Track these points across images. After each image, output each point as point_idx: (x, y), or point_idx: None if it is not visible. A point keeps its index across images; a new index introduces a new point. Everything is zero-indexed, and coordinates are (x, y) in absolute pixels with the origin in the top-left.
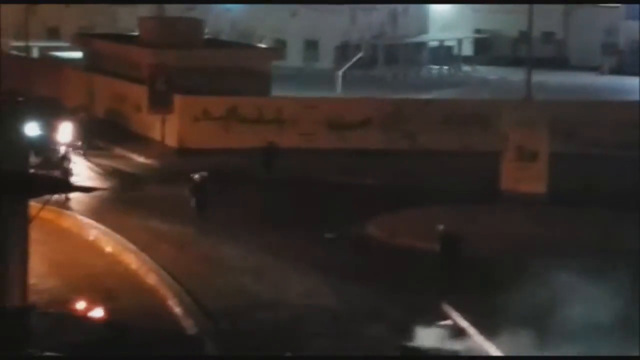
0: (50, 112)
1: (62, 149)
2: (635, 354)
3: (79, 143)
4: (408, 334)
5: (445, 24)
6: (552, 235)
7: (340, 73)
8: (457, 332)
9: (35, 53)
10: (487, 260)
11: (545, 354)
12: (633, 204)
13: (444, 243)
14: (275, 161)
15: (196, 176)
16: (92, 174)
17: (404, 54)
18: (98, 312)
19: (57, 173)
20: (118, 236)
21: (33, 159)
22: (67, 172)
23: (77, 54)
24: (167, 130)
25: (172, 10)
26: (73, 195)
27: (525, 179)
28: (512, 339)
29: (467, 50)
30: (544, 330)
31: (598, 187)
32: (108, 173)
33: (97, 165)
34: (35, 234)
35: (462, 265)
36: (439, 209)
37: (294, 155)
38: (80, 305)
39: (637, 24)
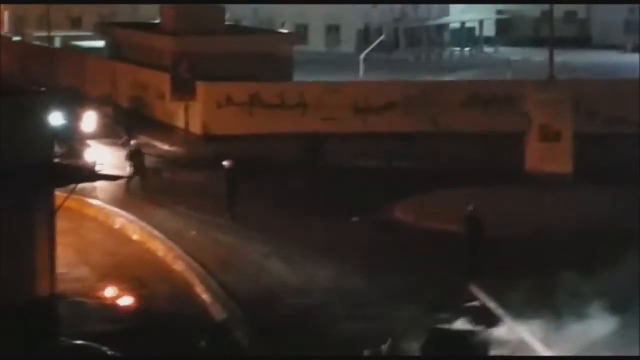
0: (73, 102)
1: (132, 143)
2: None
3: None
4: (436, 315)
5: (466, 5)
6: (577, 215)
7: (362, 57)
8: (486, 314)
9: (57, 43)
10: (514, 241)
11: (571, 332)
12: None
13: (471, 225)
14: (322, 150)
15: (225, 163)
16: (117, 162)
17: (426, 36)
18: (126, 300)
19: (130, 167)
20: (144, 224)
21: (57, 149)
22: (141, 167)
23: (99, 43)
24: (191, 117)
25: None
26: (98, 184)
27: (549, 159)
28: (540, 320)
29: (489, 31)
30: (570, 310)
31: (623, 166)
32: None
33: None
34: (61, 224)
35: (489, 247)
36: (464, 191)
37: (319, 141)
38: (109, 293)
39: None
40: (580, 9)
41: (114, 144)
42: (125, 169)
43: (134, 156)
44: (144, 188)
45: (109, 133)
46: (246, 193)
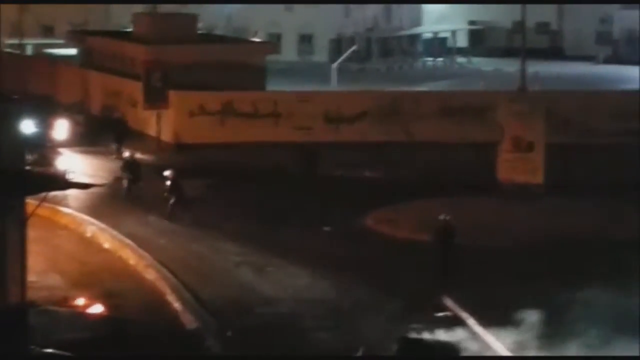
0: (45, 110)
1: (127, 154)
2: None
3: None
4: (407, 325)
5: (439, 15)
6: (549, 225)
7: (335, 66)
8: (456, 323)
9: (29, 50)
10: (485, 251)
11: (543, 342)
12: (629, 193)
13: (442, 235)
14: (317, 160)
15: (167, 173)
16: (89, 170)
17: (398, 47)
18: (97, 308)
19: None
20: (116, 232)
21: (29, 157)
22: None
23: (72, 51)
24: (163, 125)
25: (166, 5)
26: (70, 192)
27: (521, 169)
28: (510, 329)
29: (462, 41)
30: (542, 320)
31: (595, 177)
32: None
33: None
34: (32, 232)
35: (460, 257)
36: (436, 201)
37: (290, 150)
38: (80, 301)
39: (632, 13)
40: (553, 20)
41: (103, 155)
42: (106, 179)
43: (130, 167)
44: (127, 197)
45: (80, 141)
46: (219, 202)
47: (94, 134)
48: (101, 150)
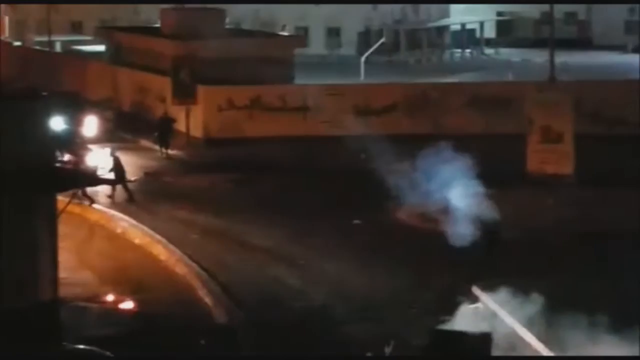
0: (74, 107)
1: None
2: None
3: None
4: (439, 317)
5: (466, 7)
6: (579, 216)
7: (363, 59)
8: (488, 315)
9: (58, 47)
10: (516, 243)
11: (576, 335)
12: None
13: (485, 227)
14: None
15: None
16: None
17: (426, 39)
18: (128, 304)
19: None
20: (146, 228)
21: (58, 153)
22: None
23: (100, 48)
24: (192, 120)
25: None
26: (100, 188)
27: (551, 160)
28: (542, 322)
29: (490, 32)
30: (573, 312)
31: (624, 168)
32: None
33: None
34: (63, 228)
35: (491, 248)
36: None
37: (321, 143)
38: (111, 297)
39: None
40: (581, 10)
41: (133, 151)
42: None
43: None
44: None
45: (110, 137)
46: (248, 196)
47: (124, 130)
48: (131, 146)
